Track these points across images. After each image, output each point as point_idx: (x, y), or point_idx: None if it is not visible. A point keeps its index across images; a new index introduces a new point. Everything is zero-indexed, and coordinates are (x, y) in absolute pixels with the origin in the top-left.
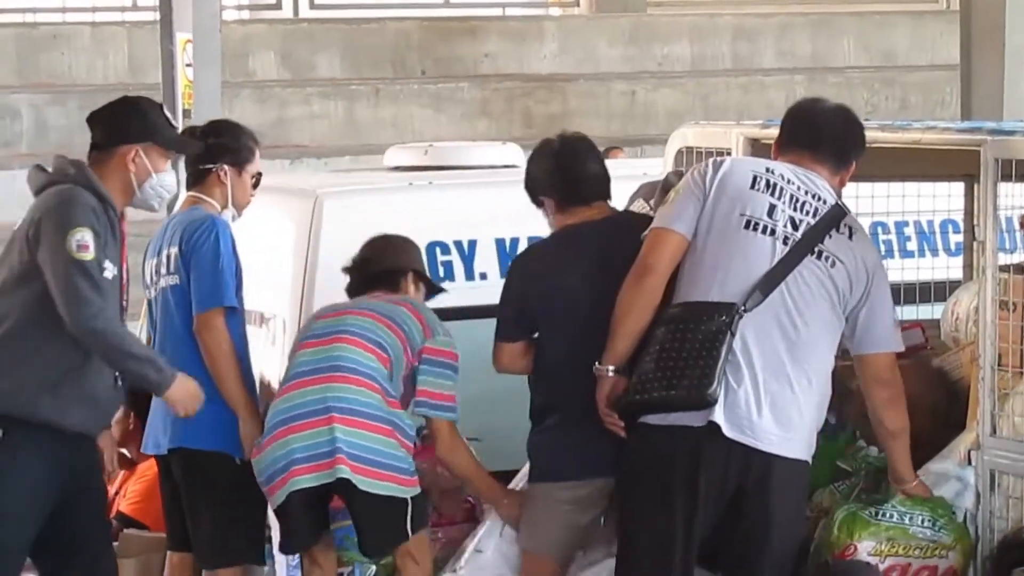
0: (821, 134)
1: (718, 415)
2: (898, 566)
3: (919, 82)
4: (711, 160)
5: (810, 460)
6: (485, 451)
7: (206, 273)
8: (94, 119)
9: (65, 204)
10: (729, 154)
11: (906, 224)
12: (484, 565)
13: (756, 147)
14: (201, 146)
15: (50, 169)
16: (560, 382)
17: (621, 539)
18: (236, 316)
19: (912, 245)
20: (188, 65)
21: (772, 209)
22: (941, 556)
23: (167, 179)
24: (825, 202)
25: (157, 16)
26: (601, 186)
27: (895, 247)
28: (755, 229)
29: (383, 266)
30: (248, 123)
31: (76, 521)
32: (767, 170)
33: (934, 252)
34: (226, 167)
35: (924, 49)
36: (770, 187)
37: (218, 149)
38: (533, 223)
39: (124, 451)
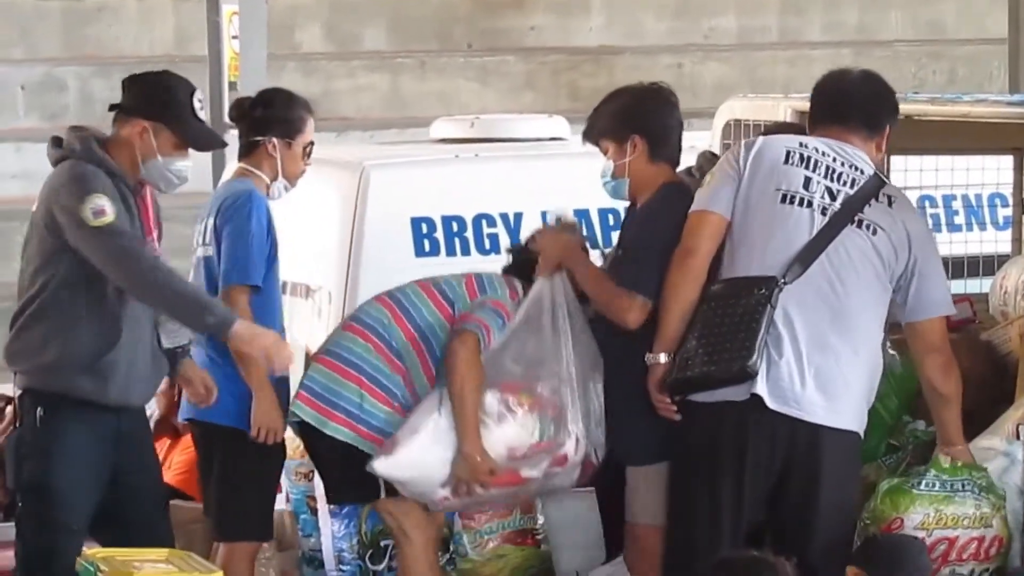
0: (849, 104)
1: (760, 387)
2: (945, 539)
3: (967, 55)
4: (746, 141)
5: (861, 432)
6: None
7: (234, 248)
8: (128, 82)
9: (71, 180)
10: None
11: (954, 198)
12: (422, 445)
13: (804, 119)
14: (223, 142)
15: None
16: None
17: (671, 517)
18: (263, 293)
19: (960, 219)
20: (234, 37)
21: (808, 181)
22: (987, 525)
23: (176, 163)
24: (863, 172)
25: None
26: None
27: (943, 221)
28: (791, 202)
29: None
30: None
31: (129, 493)
32: (800, 144)
33: (982, 226)
34: (275, 139)
35: (972, 22)
36: (804, 160)
37: (268, 121)
38: (579, 196)
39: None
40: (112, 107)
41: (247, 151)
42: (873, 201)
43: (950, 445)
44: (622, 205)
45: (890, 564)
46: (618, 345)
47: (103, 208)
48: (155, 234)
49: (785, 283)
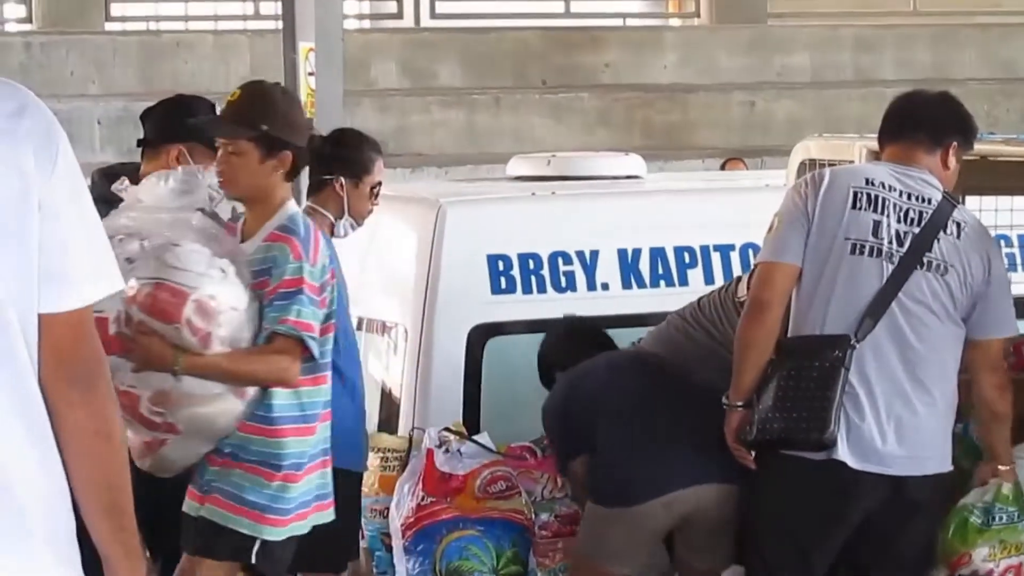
0: (915, 120)
1: (843, 453)
2: (1012, 567)
3: None
4: (810, 177)
5: (948, 468)
6: None
7: None
8: (145, 116)
9: None
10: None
11: None
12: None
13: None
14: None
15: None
16: None
17: (749, 566)
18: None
19: None
20: (310, 74)
21: (877, 227)
22: None
23: (215, 180)
24: (930, 201)
25: (279, 24)
26: None
27: (1018, 260)
28: (861, 252)
29: None
30: (368, 131)
31: (169, 507)
32: (867, 182)
33: None
34: (343, 179)
35: None
36: (872, 202)
37: (335, 160)
38: (655, 234)
39: None
40: (139, 143)
41: (315, 189)
42: (942, 234)
43: (999, 463)
44: (698, 243)
45: None
46: None
47: None
48: None
49: (858, 340)
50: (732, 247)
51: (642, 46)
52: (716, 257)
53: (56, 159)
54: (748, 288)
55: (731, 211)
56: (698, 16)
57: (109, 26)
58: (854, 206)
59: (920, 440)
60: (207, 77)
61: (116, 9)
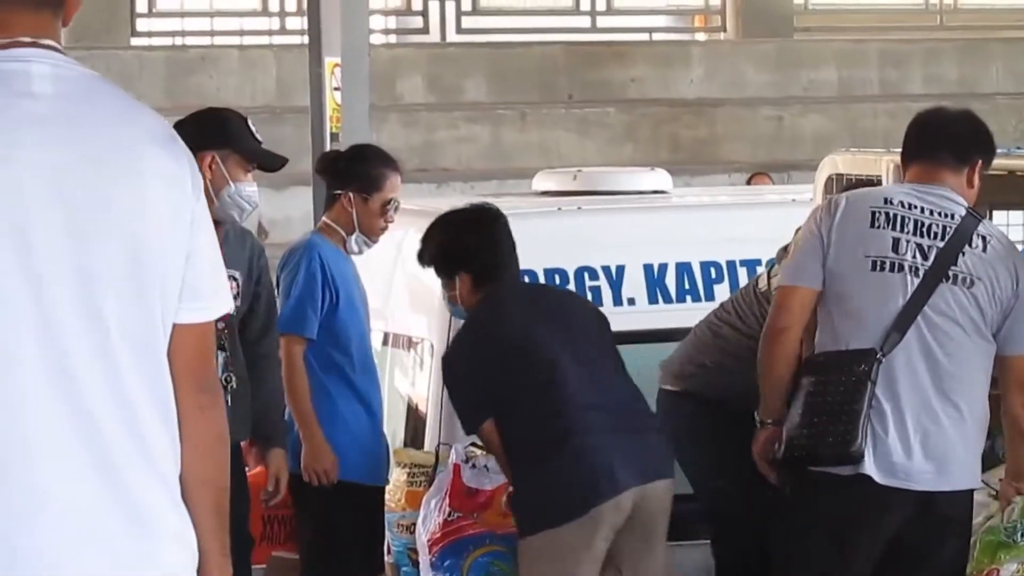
0: (938, 139)
1: (868, 467)
2: None
3: None
4: (827, 203)
5: (977, 485)
6: None
7: (284, 298)
8: (178, 127)
9: None
10: (879, 182)
11: None
12: None
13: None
14: (285, 160)
15: None
16: None
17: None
18: (351, 348)
19: None
20: (336, 88)
21: (896, 243)
22: None
23: (246, 189)
24: (953, 216)
25: (305, 39)
26: None
27: None
28: (883, 268)
29: None
30: (395, 147)
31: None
32: (885, 201)
33: None
34: (351, 193)
35: None
36: (890, 220)
37: (348, 174)
38: (681, 249)
39: None
40: None
41: (329, 204)
42: (967, 248)
43: (1019, 480)
44: (724, 258)
45: None
46: None
47: None
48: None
49: (884, 355)
50: (758, 262)
51: (668, 61)
52: (742, 272)
53: (199, 180)
54: (768, 283)
55: (757, 226)
56: (724, 31)
57: (135, 41)
58: (872, 225)
59: (947, 455)
60: (233, 92)
61: (142, 24)
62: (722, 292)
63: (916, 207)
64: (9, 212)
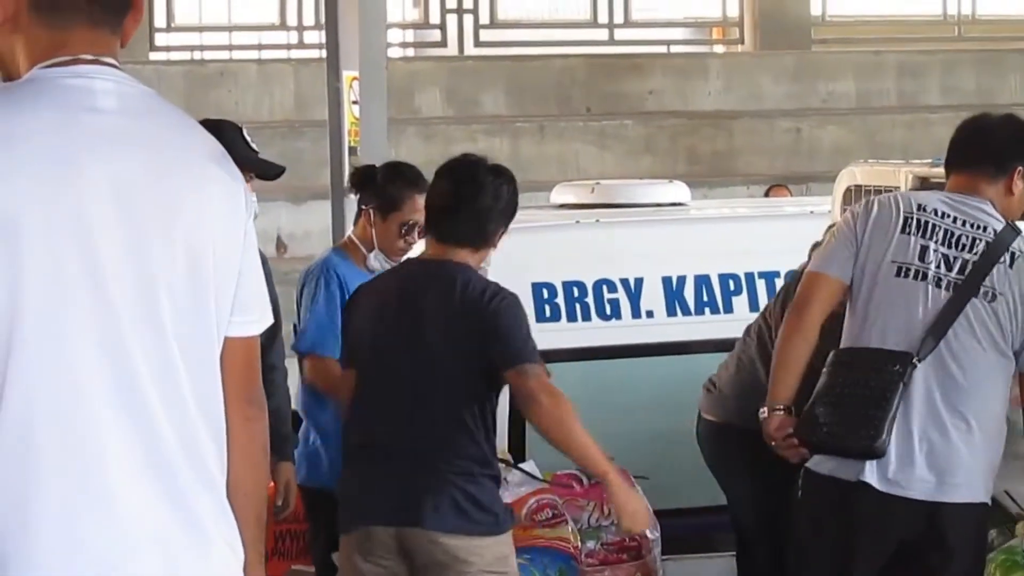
0: (978, 148)
1: (869, 475)
2: None
3: None
4: (864, 203)
5: (987, 501)
6: (653, 489)
7: (305, 319)
8: None
9: None
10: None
11: None
12: None
13: (925, 186)
14: (282, 169)
15: None
16: None
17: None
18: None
19: None
20: (354, 102)
21: (924, 251)
22: None
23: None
24: (986, 229)
25: (323, 53)
26: None
27: None
28: (906, 275)
29: None
30: (414, 160)
31: None
32: (919, 208)
33: None
34: (371, 211)
35: None
36: (921, 227)
37: (371, 191)
38: (700, 261)
39: None
40: None
41: (355, 220)
42: (998, 262)
43: None
44: (743, 270)
45: None
46: None
47: None
48: None
49: (920, 360)
50: (777, 274)
51: (686, 73)
52: (761, 284)
53: (252, 198)
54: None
55: (776, 238)
56: (742, 43)
57: (154, 56)
58: (903, 231)
59: (951, 467)
60: (251, 106)
61: (161, 39)
62: (741, 304)
63: (948, 216)
64: (75, 226)
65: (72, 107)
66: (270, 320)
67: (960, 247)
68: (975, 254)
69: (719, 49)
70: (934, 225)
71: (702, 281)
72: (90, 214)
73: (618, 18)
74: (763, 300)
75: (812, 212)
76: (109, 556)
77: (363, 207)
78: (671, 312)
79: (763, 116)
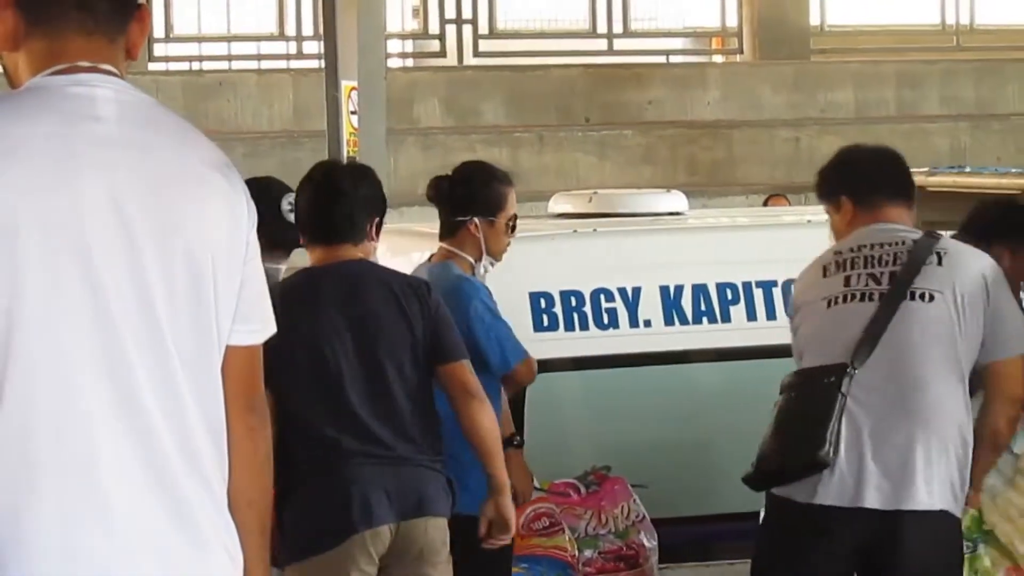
0: (874, 181)
1: (823, 495)
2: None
3: None
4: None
5: (952, 508)
6: (650, 497)
7: (485, 339)
8: None
9: None
10: None
11: None
12: None
13: (923, 195)
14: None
15: None
16: None
17: None
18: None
19: None
20: (353, 112)
21: (847, 280)
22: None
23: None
24: (904, 242)
25: (322, 64)
26: None
27: None
28: (834, 303)
29: None
30: (412, 170)
31: None
32: (835, 253)
33: None
34: (477, 219)
35: None
36: (839, 265)
37: (469, 200)
38: (697, 271)
39: None
40: None
41: (450, 231)
42: (923, 266)
43: (977, 492)
44: (741, 280)
45: None
46: None
47: None
48: None
49: (855, 369)
50: (775, 283)
51: (685, 83)
52: (759, 294)
53: (253, 208)
54: None
55: (774, 247)
56: (741, 53)
57: (152, 66)
58: (824, 276)
59: (906, 473)
60: (250, 116)
61: (159, 49)
62: (738, 314)
63: (865, 246)
64: (73, 234)
65: (73, 115)
66: (272, 330)
67: (883, 263)
68: (899, 265)
69: (718, 59)
70: (852, 259)
71: (700, 290)
72: (89, 223)
73: (617, 28)
74: (760, 309)
75: (810, 221)
76: (107, 564)
77: (461, 219)
78: (669, 321)
79: (762, 126)
